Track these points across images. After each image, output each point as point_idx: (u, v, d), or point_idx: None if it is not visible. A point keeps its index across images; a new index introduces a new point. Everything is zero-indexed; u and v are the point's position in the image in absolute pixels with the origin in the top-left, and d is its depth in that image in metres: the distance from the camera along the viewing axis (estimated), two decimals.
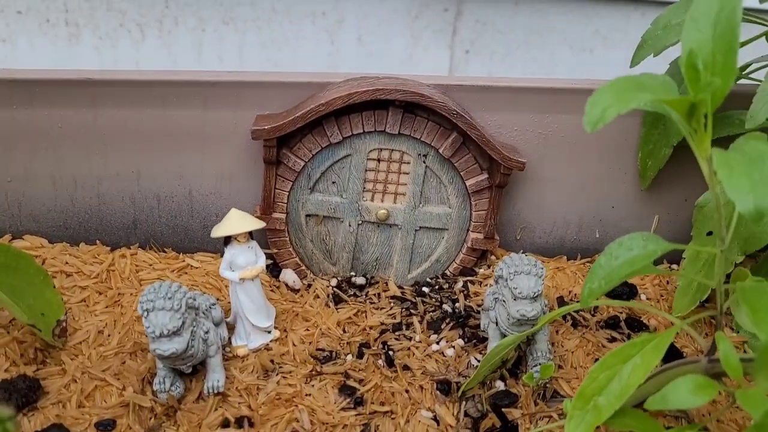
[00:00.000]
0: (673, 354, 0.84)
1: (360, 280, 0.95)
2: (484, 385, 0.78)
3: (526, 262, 0.76)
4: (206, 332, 0.74)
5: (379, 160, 0.89)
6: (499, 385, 0.78)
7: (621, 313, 0.91)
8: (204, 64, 1.46)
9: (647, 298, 0.95)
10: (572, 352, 0.84)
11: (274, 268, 0.94)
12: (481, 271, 0.96)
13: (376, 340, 0.84)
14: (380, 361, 0.81)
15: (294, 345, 0.83)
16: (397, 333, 0.85)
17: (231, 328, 0.83)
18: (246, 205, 0.94)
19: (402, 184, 0.91)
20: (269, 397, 0.75)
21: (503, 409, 0.75)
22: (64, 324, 0.79)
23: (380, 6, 1.43)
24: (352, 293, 0.93)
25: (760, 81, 0.80)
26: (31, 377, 0.74)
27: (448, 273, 0.96)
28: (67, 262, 0.92)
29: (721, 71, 0.55)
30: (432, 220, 0.93)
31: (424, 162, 0.89)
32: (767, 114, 0.76)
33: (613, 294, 0.93)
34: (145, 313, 0.68)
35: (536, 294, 0.74)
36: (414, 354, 0.83)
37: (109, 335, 0.82)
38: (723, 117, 0.87)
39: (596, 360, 0.74)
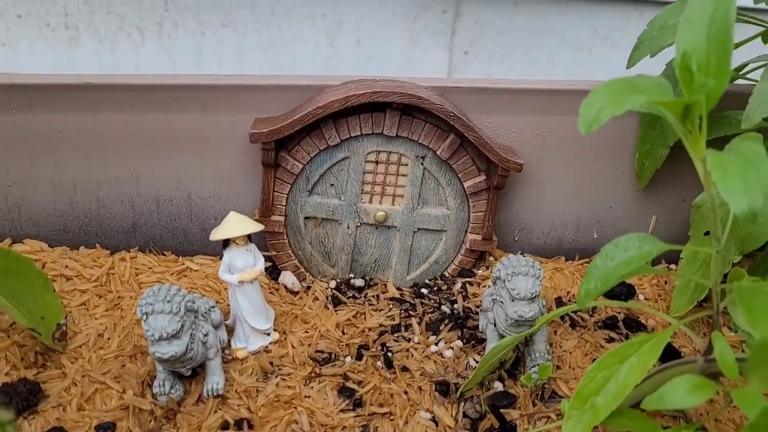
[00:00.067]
0: (671, 354, 0.84)
1: (359, 282, 0.95)
2: (483, 386, 0.78)
3: (524, 263, 0.76)
4: (205, 335, 0.74)
5: (377, 163, 0.90)
6: (498, 386, 0.78)
7: (619, 313, 0.91)
8: (203, 67, 1.47)
9: (645, 298, 0.95)
10: (570, 353, 0.84)
11: (273, 271, 0.95)
12: (480, 272, 0.96)
13: (375, 341, 0.85)
14: (379, 363, 0.81)
15: (293, 347, 0.83)
16: (395, 334, 0.86)
17: (230, 331, 0.84)
18: (245, 207, 0.94)
19: (400, 186, 0.91)
20: (268, 399, 0.76)
21: (501, 410, 0.75)
22: (64, 327, 0.80)
23: (379, 8, 1.44)
24: (351, 295, 0.93)
25: (757, 81, 0.80)
26: (31, 381, 0.74)
27: (447, 274, 0.96)
28: (67, 266, 0.92)
29: (715, 73, 0.56)
30: (430, 222, 0.93)
31: (422, 164, 0.90)
32: (763, 114, 0.76)
33: (611, 294, 0.93)
34: (145, 317, 0.69)
35: (534, 295, 0.74)
36: (413, 355, 0.83)
37: (109, 338, 0.83)
38: (720, 117, 0.87)
39: (594, 360, 0.75)
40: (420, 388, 0.79)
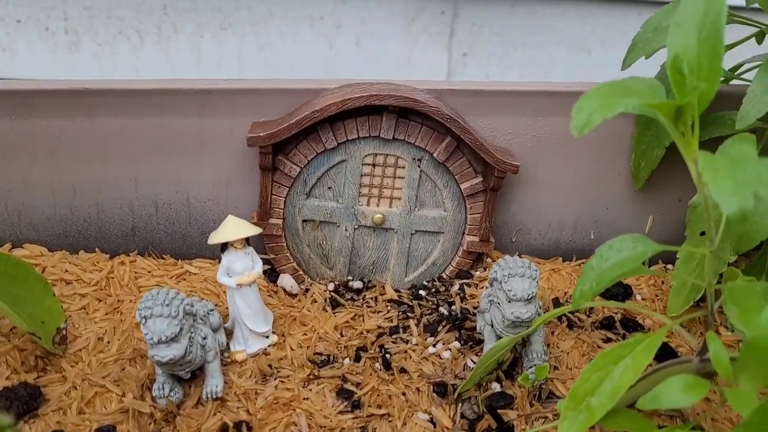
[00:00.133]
0: (667, 354, 0.84)
1: (357, 284, 0.96)
2: (480, 387, 0.79)
3: (520, 265, 0.76)
4: (204, 338, 0.74)
5: (374, 165, 0.90)
6: (495, 387, 0.79)
7: (616, 313, 0.92)
8: (203, 70, 1.47)
9: (642, 299, 0.96)
10: (567, 353, 0.85)
11: (271, 274, 0.95)
12: (477, 273, 0.96)
13: (373, 343, 0.85)
14: (377, 365, 0.82)
15: (292, 349, 0.84)
16: (394, 336, 0.86)
17: (229, 334, 0.84)
18: (243, 211, 0.94)
19: (397, 189, 0.92)
20: (267, 402, 0.76)
21: (499, 411, 0.76)
22: (64, 332, 0.80)
23: (377, 10, 1.44)
24: (349, 297, 0.93)
25: (752, 82, 0.80)
26: (32, 385, 0.75)
27: (445, 276, 0.97)
28: (66, 270, 0.93)
29: (706, 75, 0.56)
30: (427, 224, 0.94)
31: (419, 166, 0.90)
32: (757, 115, 0.77)
33: (608, 295, 0.94)
34: (144, 320, 0.69)
35: (530, 296, 0.75)
36: (411, 357, 0.83)
37: (108, 342, 0.83)
38: (715, 118, 0.87)
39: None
40: (418, 390, 0.79)
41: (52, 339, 0.78)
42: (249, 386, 0.78)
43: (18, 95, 0.87)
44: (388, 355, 0.83)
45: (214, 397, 0.76)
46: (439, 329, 0.87)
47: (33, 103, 0.87)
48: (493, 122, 0.93)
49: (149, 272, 0.95)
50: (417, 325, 0.88)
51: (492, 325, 0.79)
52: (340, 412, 0.76)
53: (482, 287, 0.94)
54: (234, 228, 0.80)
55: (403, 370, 0.81)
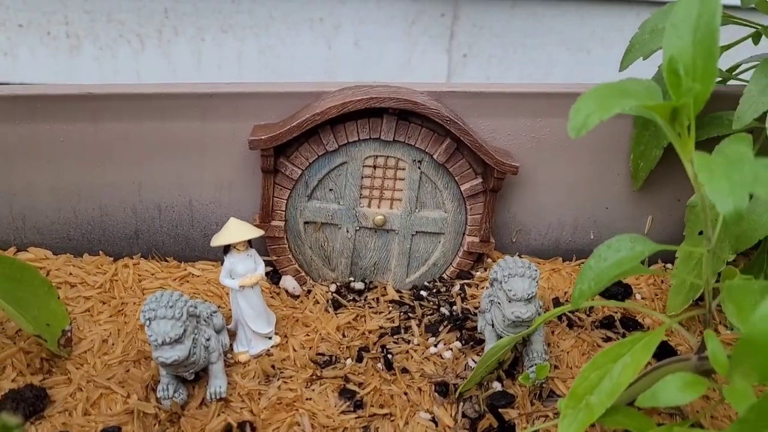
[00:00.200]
0: (667, 352, 0.85)
1: (359, 285, 0.96)
2: (482, 386, 0.79)
3: (520, 265, 0.77)
4: (208, 339, 0.75)
5: (374, 167, 0.91)
6: (496, 386, 0.80)
7: (616, 312, 0.92)
8: (203, 72, 1.48)
9: (642, 298, 0.96)
10: (568, 352, 0.85)
11: (273, 275, 0.96)
12: (478, 274, 0.97)
13: (375, 343, 0.86)
14: (379, 365, 0.83)
15: (294, 350, 0.84)
16: (395, 336, 0.87)
17: (232, 335, 0.85)
18: (245, 213, 0.95)
19: (398, 190, 0.92)
20: (271, 402, 0.77)
21: (500, 410, 0.77)
22: (69, 334, 0.81)
23: (377, 11, 1.45)
24: (351, 298, 0.94)
25: (748, 82, 0.81)
26: (37, 386, 0.76)
27: (446, 276, 0.97)
28: (71, 273, 0.93)
29: (702, 76, 0.57)
30: (428, 225, 0.94)
31: (419, 168, 0.91)
32: (754, 115, 0.77)
33: (608, 294, 0.94)
34: (148, 322, 0.70)
35: (530, 296, 0.75)
36: (412, 357, 0.84)
37: (113, 344, 0.84)
38: (712, 118, 0.88)
39: None
40: (420, 389, 0.80)
41: (58, 341, 0.79)
42: (252, 387, 0.79)
43: (21, 100, 0.88)
44: (389, 355, 0.84)
45: (218, 397, 0.76)
46: (440, 329, 0.88)
47: (36, 107, 0.88)
48: (492, 124, 0.93)
49: (153, 275, 0.95)
50: (418, 325, 0.89)
51: (493, 325, 0.80)
52: (343, 412, 0.76)
53: (483, 287, 0.95)
54: (236, 230, 0.80)
55: (404, 370, 0.82)
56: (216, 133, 0.91)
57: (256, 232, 0.82)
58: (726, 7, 0.67)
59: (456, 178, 0.91)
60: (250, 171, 0.93)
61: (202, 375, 0.78)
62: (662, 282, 0.98)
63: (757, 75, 0.79)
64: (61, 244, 0.98)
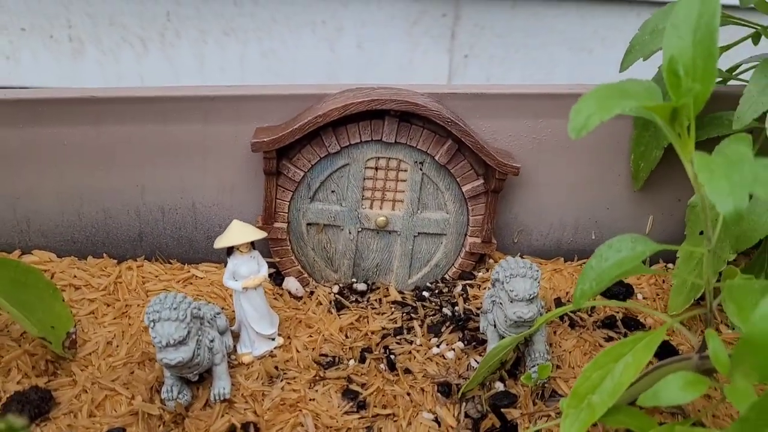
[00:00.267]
0: (668, 352, 0.85)
1: (361, 287, 0.97)
2: (484, 386, 0.80)
3: (522, 265, 0.77)
4: (211, 341, 0.75)
5: (376, 169, 0.91)
6: (499, 386, 0.80)
7: (618, 312, 0.93)
8: (206, 75, 1.48)
9: (644, 298, 0.96)
10: (570, 352, 0.86)
11: (276, 277, 0.96)
12: (480, 274, 0.97)
13: (377, 344, 0.86)
14: (382, 365, 0.83)
15: (297, 351, 0.85)
16: (398, 337, 0.87)
17: (236, 337, 0.85)
18: (248, 215, 0.96)
19: (400, 192, 0.93)
20: (274, 403, 0.77)
21: (503, 410, 0.77)
22: (73, 336, 0.81)
23: (378, 13, 1.45)
24: (353, 299, 0.94)
25: (748, 82, 0.81)
26: (42, 388, 0.76)
27: (448, 277, 0.98)
28: (75, 276, 0.94)
29: (701, 77, 0.57)
30: (430, 226, 0.95)
31: (421, 169, 0.91)
32: (753, 115, 0.77)
33: (609, 294, 0.94)
34: (152, 324, 0.70)
35: (532, 296, 0.76)
36: (415, 357, 0.84)
37: (117, 346, 0.84)
38: (712, 118, 0.88)
39: None
40: (422, 390, 0.80)
41: (62, 343, 0.79)
42: (256, 388, 0.79)
43: (24, 104, 0.88)
44: (392, 356, 0.84)
45: (222, 398, 0.77)
46: (442, 330, 0.88)
47: (39, 111, 0.89)
48: (493, 125, 0.94)
49: (156, 277, 0.96)
50: (421, 326, 0.89)
51: (495, 325, 0.80)
52: (346, 413, 0.77)
53: (485, 288, 0.95)
54: (239, 232, 0.81)
55: (407, 371, 0.82)
56: (218, 135, 0.92)
57: (258, 234, 0.82)
58: (725, 7, 0.67)
59: (457, 180, 0.92)
60: (253, 173, 0.94)
61: (206, 376, 0.79)
62: (663, 282, 0.99)
63: (757, 75, 0.79)
64: (66, 247, 0.98)
